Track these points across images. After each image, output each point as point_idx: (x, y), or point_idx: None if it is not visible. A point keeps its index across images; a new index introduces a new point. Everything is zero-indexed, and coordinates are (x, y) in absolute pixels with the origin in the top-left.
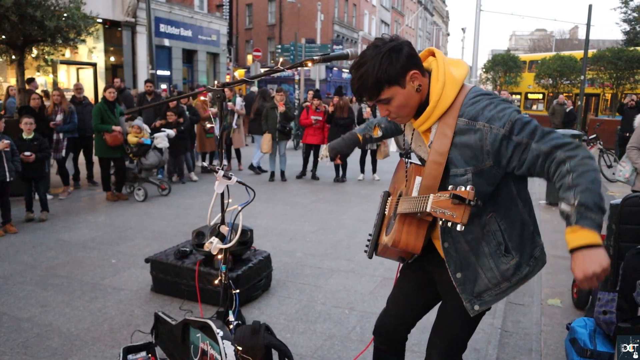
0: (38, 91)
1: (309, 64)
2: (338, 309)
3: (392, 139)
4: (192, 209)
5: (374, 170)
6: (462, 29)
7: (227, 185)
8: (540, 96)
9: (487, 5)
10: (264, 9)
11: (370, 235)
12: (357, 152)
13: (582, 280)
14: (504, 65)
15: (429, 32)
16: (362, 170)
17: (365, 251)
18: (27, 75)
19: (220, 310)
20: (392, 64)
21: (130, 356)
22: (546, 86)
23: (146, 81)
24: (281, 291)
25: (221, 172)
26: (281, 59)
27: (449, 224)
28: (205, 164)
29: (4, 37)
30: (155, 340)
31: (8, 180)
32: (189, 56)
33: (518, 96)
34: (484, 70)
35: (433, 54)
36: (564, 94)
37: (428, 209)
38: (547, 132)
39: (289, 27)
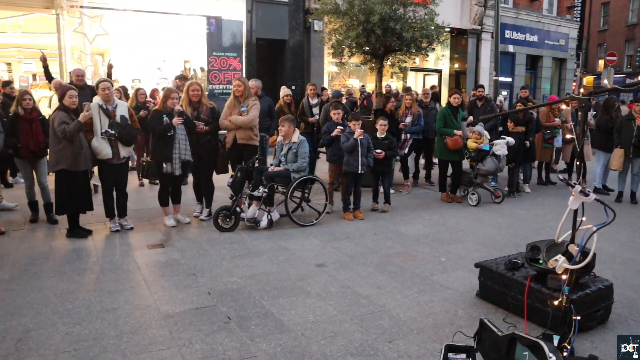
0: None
1: None
2: None
3: None
4: (525, 221)
5: None
6: None
7: (583, 203)
8: None
9: None
10: (623, 6)
11: None
12: None
13: None
14: None
15: None
16: None
17: None
18: (384, 81)
19: (547, 333)
20: None
21: (450, 354)
22: None
23: (477, 86)
24: (621, 328)
25: (578, 188)
26: None
27: None
28: (562, 176)
29: (367, 48)
30: (477, 346)
31: (360, 172)
32: (533, 62)
33: None
34: None
35: None
36: None
37: None
38: None
39: None
